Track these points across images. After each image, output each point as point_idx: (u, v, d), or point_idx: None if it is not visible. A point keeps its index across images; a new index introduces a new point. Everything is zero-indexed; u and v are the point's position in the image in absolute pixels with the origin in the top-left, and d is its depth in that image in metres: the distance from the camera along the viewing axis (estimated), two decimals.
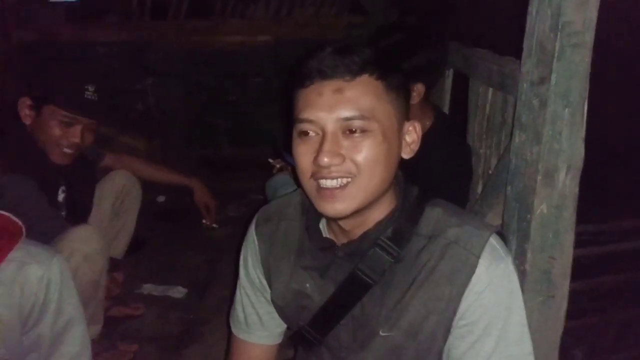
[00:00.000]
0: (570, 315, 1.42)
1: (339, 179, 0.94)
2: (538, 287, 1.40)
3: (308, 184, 0.98)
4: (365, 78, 0.94)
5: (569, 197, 1.35)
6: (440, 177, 1.86)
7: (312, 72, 0.95)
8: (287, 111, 1.02)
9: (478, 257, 0.94)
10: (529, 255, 1.38)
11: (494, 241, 0.97)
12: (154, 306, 2.27)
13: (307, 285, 1.07)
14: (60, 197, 1.85)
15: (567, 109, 1.31)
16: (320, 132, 0.94)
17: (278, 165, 2.15)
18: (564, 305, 1.40)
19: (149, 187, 3.02)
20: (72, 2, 4.05)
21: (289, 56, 3.58)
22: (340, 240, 1.04)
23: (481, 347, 0.96)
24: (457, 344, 0.97)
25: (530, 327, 1.17)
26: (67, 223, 1.74)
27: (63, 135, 1.74)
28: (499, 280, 0.95)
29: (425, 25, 2.03)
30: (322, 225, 1.08)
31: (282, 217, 1.13)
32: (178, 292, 2.36)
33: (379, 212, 1.00)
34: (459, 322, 0.96)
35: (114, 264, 2.09)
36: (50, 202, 1.77)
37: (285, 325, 1.21)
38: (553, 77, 1.29)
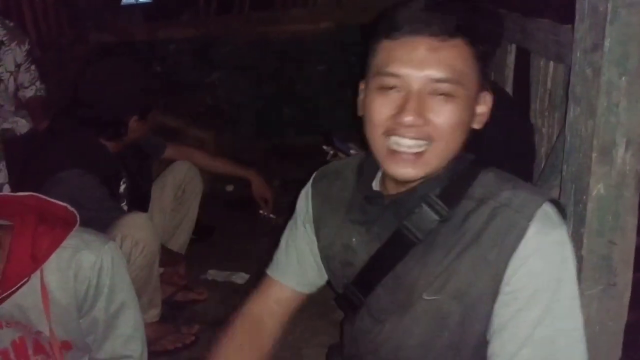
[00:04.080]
0: None
1: (416, 141, 0.91)
2: (597, 275, 1.28)
3: (379, 141, 0.94)
4: (458, 41, 0.90)
5: (629, 175, 1.22)
6: (500, 158, 1.76)
7: (403, 25, 0.90)
8: (363, 64, 0.98)
9: (529, 221, 0.89)
10: (585, 240, 1.27)
11: (548, 208, 0.91)
12: (218, 291, 2.35)
13: (354, 239, 1.06)
14: (122, 188, 1.96)
15: (624, 78, 1.17)
16: (405, 90, 0.90)
17: (332, 152, 2.15)
18: (626, 294, 1.27)
19: (218, 177, 3.13)
20: (145, 3, 4.26)
21: (352, 42, 3.55)
22: (389, 193, 1.02)
23: (526, 316, 0.89)
24: (501, 312, 0.91)
25: (589, 318, 1.08)
26: (127, 212, 1.83)
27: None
28: (550, 248, 0.89)
29: None
30: (375, 182, 1.07)
31: (339, 176, 1.14)
32: (241, 278, 2.43)
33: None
34: (504, 287, 0.91)
35: (174, 258, 2.18)
36: (113, 194, 1.88)
37: (318, 282, 1.21)
38: (606, 43, 1.16)
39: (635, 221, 1.25)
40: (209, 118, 3.66)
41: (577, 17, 1.28)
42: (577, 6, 1.27)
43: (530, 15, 1.89)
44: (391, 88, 0.91)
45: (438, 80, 0.89)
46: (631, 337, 1.36)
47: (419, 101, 0.89)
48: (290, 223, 1.22)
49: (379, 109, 0.93)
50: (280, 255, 1.23)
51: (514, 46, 2.09)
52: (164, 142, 2.30)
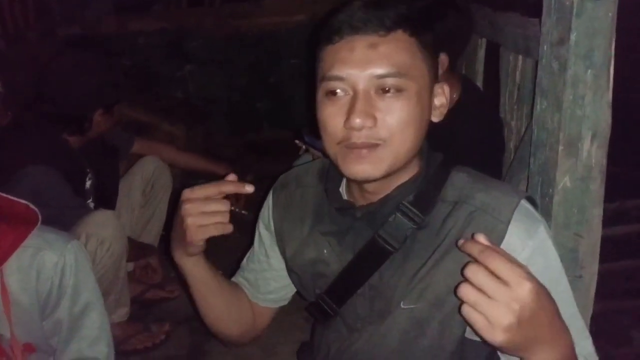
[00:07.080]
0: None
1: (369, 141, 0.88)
2: (564, 267, 1.29)
3: (334, 149, 0.92)
4: (399, 34, 0.88)
5: (595, 168, 1.23)
6: (470, 152, 1.77)
7: (342, 27, 0.89)
8: (311, 74, 0.96)
9: (507, 225, 0.89)
10: (552, 232, 1.27)
11: (525, 205, 0.91)
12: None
13: (325, 251, 1.04)
14: (88, 184, 1.91)
15: (589, 71, 1.18)
16: (351, 92, 0.89)
17: (304, 147, 2.13)
18: (592, 287, 1.29)
19: (190, 172, 3.09)
20: None
21: None
22: (360, 204, 1.00)
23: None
24: None
25: None
26: (92, 210, 1.79)
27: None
28: (542, 244, 0.90)
29: None
30: (342, 189, 1.05)
31: (300, 184, 1.11)
32: None
33: (403, 177, 0.95)
34: None
35: (145, 250, 2.15)
36: (78, 191, 1.83)
37: (279, 301, 1.21)
38: (572, 36, 1.17)
39: (601, 214, 1.27)
40: (181, 112, 3.60)
41: (544, 11, 1.28)
42: (544, 0, 1.27)
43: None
44: (337, 93, 0.89)
45: (382, 76, 0.87)
46: (596, 327, 1.38)
47: (366, 101, 0.87)
48: (256, 235, 1.19)
49: (331, 119, 0.90)
50: (244, 264, 1.22)
51: (484, 40, 2.09)
52: (132, 137, 2.25)
